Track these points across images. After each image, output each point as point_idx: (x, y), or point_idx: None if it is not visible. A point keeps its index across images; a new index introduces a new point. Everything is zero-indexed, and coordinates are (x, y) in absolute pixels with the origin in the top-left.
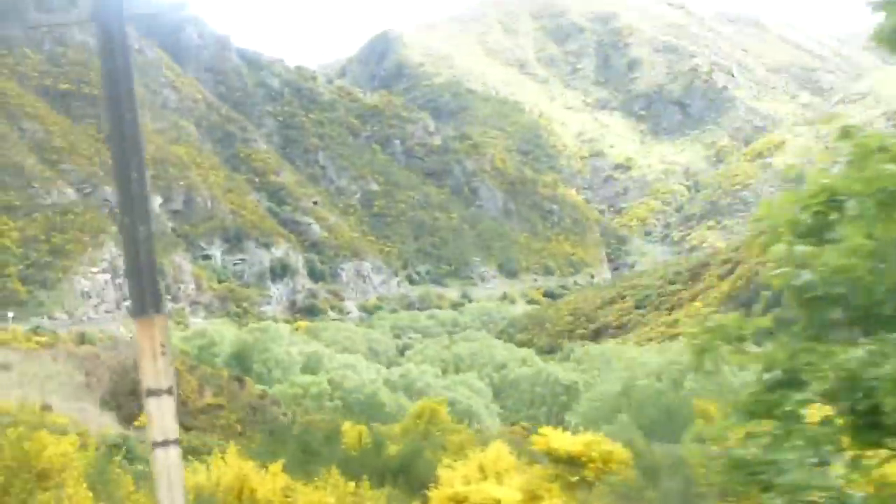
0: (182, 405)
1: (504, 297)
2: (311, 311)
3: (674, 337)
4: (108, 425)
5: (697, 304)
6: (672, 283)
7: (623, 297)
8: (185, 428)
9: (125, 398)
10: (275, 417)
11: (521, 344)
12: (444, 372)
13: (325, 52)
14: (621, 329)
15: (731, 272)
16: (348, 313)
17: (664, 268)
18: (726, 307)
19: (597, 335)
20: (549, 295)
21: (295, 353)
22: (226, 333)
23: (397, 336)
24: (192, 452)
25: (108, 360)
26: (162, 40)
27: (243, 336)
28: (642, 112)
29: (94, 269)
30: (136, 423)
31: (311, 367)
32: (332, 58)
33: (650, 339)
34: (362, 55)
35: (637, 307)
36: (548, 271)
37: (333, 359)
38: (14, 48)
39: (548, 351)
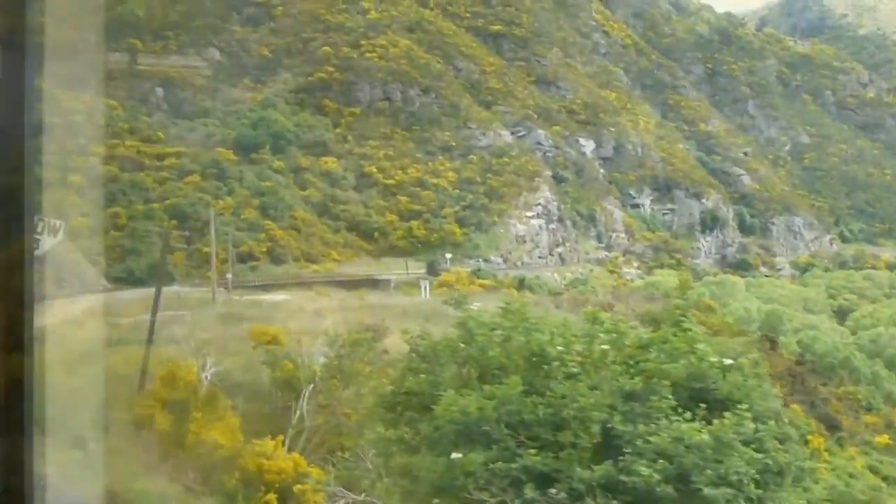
0: None
1: None
2: (740, 266)
3: None
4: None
5: None
6: None
7: None
8: None
9: None
10: (814, 387)
11: None
12: None
13: (741, 2)
14: None
15: None
16: (779, 270)
17: None
18: None
19: None
20: None
21: (753, 309)
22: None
23: (831, 297)
24: None
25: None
26: None
27: (700, 289)
28: None
29: (529, 214)
30: None
31: (769, 324)
32: (748, 7)
33: None
34: (783, 5)
35: None
36: None
37: (794, 318)
38: None
39: None
